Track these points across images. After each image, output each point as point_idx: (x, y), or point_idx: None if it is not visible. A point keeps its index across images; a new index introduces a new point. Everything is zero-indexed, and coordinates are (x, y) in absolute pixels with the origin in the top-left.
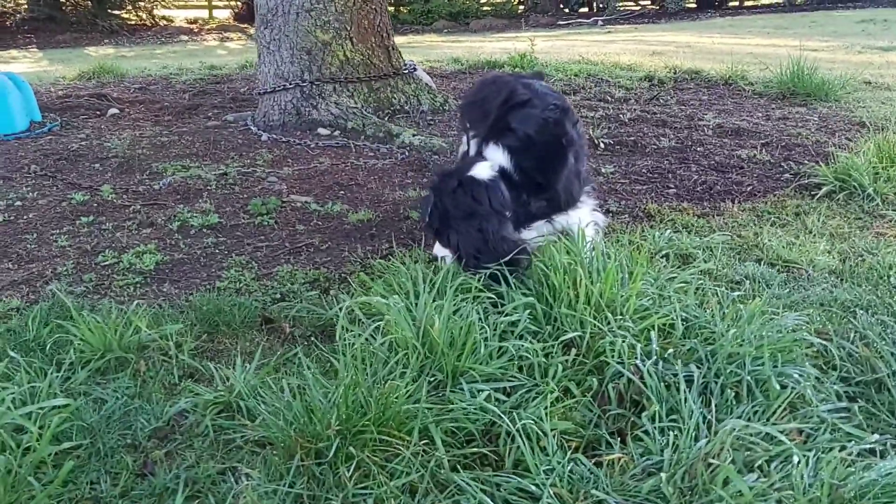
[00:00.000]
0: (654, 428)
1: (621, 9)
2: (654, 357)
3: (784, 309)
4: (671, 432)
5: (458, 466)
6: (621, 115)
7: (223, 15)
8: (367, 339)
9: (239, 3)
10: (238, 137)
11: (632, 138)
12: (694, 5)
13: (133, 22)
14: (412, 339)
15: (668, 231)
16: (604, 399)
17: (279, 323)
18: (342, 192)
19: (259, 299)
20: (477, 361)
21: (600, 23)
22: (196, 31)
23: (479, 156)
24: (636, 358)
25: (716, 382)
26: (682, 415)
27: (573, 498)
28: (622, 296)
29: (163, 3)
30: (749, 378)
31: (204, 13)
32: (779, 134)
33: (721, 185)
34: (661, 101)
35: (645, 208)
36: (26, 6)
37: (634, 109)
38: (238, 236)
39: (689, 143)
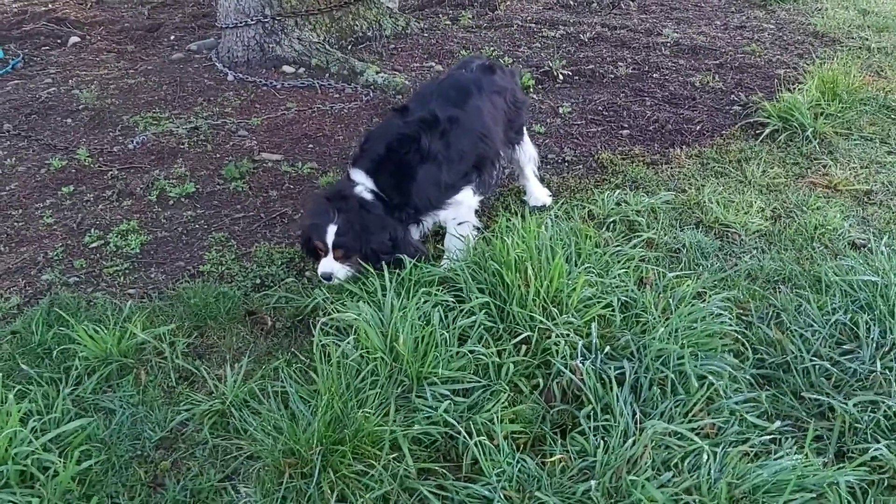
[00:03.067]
0: (590, 427)
1: None
2: (594, 353)
3: (714, 286)
4: (605, 431)
5: (424, 472)
6: (581, 34)
7: None
8: (341, 350)
9: None
10: (204, 76)
11: (590, 66)
12: None
13: None
14: (381, 350)
15: (617, 192)
16: (549, 395)
17: (261, 315)
18: (311, 145)
19: (241, 286)
20: (438, 366)
21: None
22: None
23: (348, 179)
24: (578, 356)
25: (645, 377)
26: (614, 413)
27: (520, 499)
28: (568, 286)
29: None
30: (672, 375)
31: None
32: (734, 51)
33: (672, 122)
34: (624, 6)
35: (598, 157)
36: None
37: (594, 24)
38: (215, 206)
39: (646, 69)
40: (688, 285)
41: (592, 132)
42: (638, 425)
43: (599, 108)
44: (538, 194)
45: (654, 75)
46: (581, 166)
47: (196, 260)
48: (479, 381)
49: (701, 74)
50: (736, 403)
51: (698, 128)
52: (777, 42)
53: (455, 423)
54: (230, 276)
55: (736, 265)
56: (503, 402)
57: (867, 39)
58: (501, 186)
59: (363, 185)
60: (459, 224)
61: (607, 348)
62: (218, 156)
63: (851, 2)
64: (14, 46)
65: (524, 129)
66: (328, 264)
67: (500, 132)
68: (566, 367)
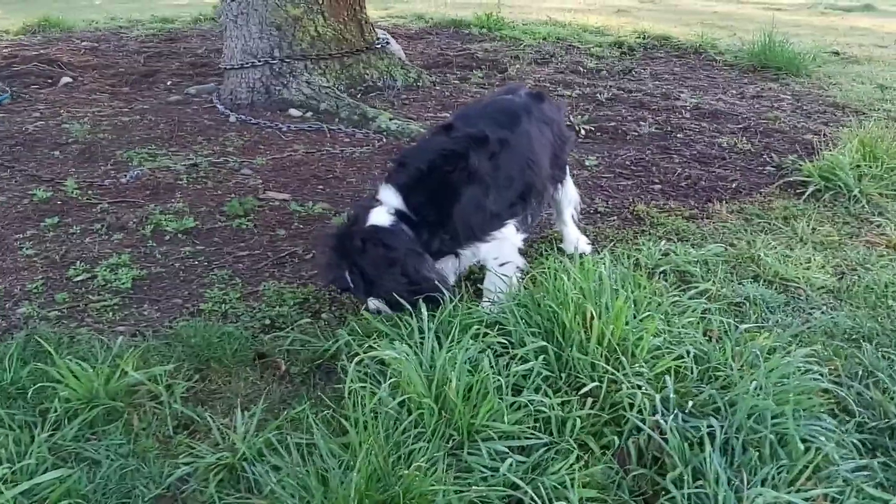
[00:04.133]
0: (682, 495)
1: None
2: (673, 409)
3: (790, 341)
4: (699, 501)
5: None
6: (598, 94)
7: None
8: (375, 395)
9: None
10: (204, 117)
11: (612, 123)
12: None
13: None
14: (426, 397)
15: (663, 242)
16: (623, 456)
17: (273, 358)
18: (321, 186)
19: (248, 326)
20: (492, 418)
21: None
22: None
23: (374, 199)
24: (655, 411)
25: (737, 438)
26: (707, 478)
27: None
28: (634, 334)
29: None
30: (771, 436)
31: None
32: (755, 117)
33: (705, 179)
34: (635, 74)
35: (633, 209)
36: None
37: (610, 87)
38: (216, 243)
39: (669, 129)
40: (765, 339)
41: (623, 185)
42: (740, 494)
43: (627, 162)
44: (577, 241)
45: (678, 135)
46: (615, 217)
47: (195, 298)
48: (541, 438)
49: (726, 137)
50: (847, 471)
51: (734, 185)
52: (798, 111)
53: (522, 485)
54: (235, 316)
55: (808, 321)
56: (571, 463)
57: (891, 111)
58: (533, 234)
59: (387, 205)
60: (502, 265)
61: (689, 404)
62: (219, 193)
63: (867, 77)
64: (3, 84)
65: (567, 168)
66: (371, 301)
67: (547, 164)
68: (644, 424)
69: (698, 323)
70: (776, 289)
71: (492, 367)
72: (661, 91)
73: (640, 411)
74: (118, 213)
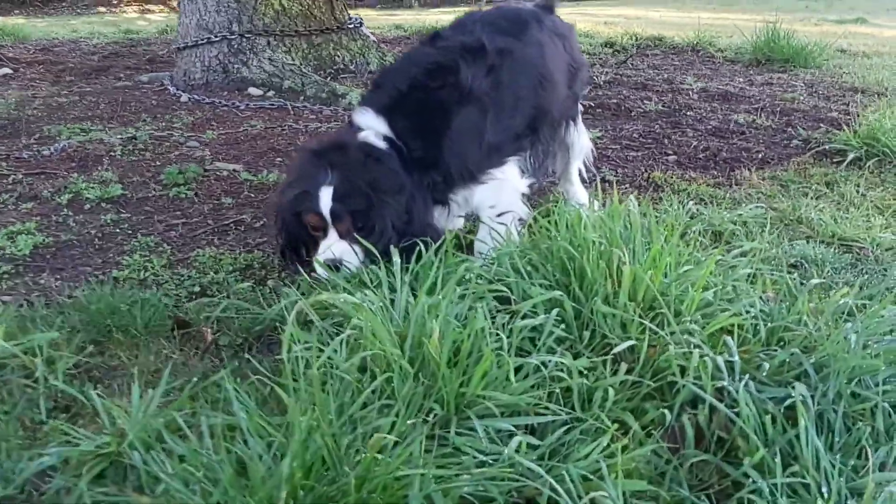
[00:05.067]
0: (768, 485)
1: None
2: (741, 376)
3: (870, 301)
4: (793, 495)
5: None
6: (595, 78)
7: None
8: (328, 358)
9: None
10: (152, 98)
11: (613, 101)
12: None
13: None
14: (396, 355)
15: (690, 203)
16: (675, 437)
17: (198, 326)
18: (279, 158)
19: (171, 293)
20: (490, 386)
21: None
22: (115, 2)
23: (350, 125)
24: (717, 378)
25: (834, 410)
26: (802, 463)
27: None
28: (676, 287)
29: None
30: (885, 403)
31: None
32: (770, 99)
33: (726, 151)
34: (632, 65)
35: (648, 176)
36: None
37: (607, 73)
38: (147, 211)
39: (677, 107)
40: (843, 295)
41: (632, 156)
42: (853, 482)
43: (634, 135)
44: (584, 201)
45: (689, 113)
46: (629, 185)
47: (110, 265)
48: (559, 414)
49: (742, 115)
50: None
51: (759, 156)
52: (814, 94)
53: (541, 472)
54: (157, 285)
55: (884, 281)
56: (605, 447)
57: None
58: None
59: (372, 129)
60: (500, 214)
61: (765, 366)
62: (158, 164)
63: (881, 67)
64: None
65: (579, 104)
66: (332, 246)
67: (564, 87)
68: (705, 393)
69: (751, 282)
70: (837, 250)
71: (488, 319)
72: (662, 77)
73: (696, 378)
74: (33, 183)
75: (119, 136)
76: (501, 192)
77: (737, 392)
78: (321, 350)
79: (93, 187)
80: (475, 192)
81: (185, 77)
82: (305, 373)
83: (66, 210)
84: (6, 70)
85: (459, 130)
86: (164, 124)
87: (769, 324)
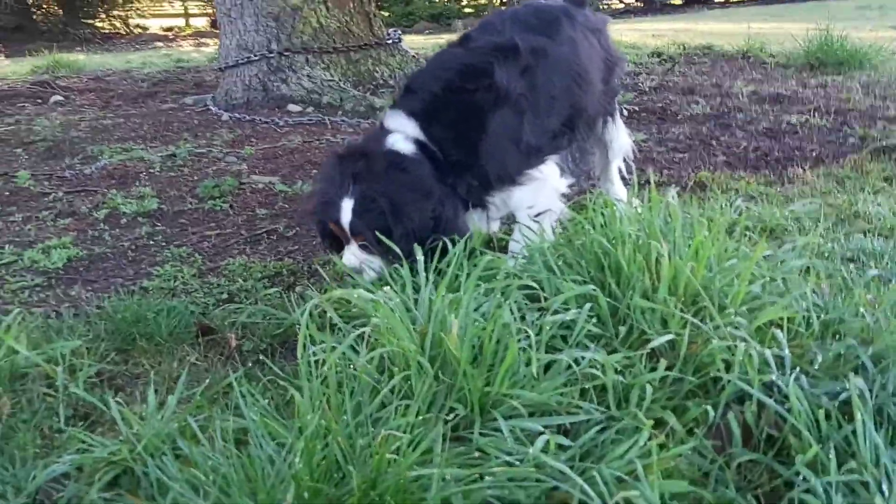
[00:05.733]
0: (823, 484)
1: (605, 6)
2: (792, 370)
3: None
4: (850, 493)
5: None
6: (640, 85)
7: (200, 23)
8: (343, 354)
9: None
10: (195, 119)
11: (658, 105)
12: (679, 1)
13: (107, 30)
14: (415, 352)
15: (739, 200)
16: (720, 435)
17: (222, 333)
18: (315, 170)
19: (199, 301)
20: (517, 384)
21: None
22: (171, 37)
23: (381, 128)
24: (765, 372)
25: (895, 404)
26: (860, 460)
27: None
28: (721, 280)
29: (137, 11)
30: None
31: (180, 21)
32: (824, 100)
33: (778, 150)
34: (679, 72)
35: (696, 178)
36: None
37: (653, 79)
38: (181, 224)
39: (726, 110)
40: None
41: (679, 158)
42: None
43: (680, 137)
44: (624, 196)
45: (738, 115)
46: (674, 186)
47: (141, 276)
48: (594, 412)
49: (794, 116)
50: None
51: (814, 154)
52: (871, 95)
53: (570, 474)
54: (186, 293)
55: None
56: (642, 446)
57: None
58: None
59: (402, 133)
60: (538, 214)
61: (818, 359)
62: (195, 178)
63: None
64: None
65: (617, 103)
66: (352, 255)
67: (599, 83)
68: (753, 388)
69: (804, 275)
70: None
71: (514, 316)
72: (710, 82)
73: (742, 373)
74: (73, 201)
75: (159, 154)
76: (540, 192)
77: (787, 386)
78: (335, 348)
79: (130, 202)
80: (513, 193)
81: (226, 97)
82: (319, 370)
83: (102, 224)
84: (58, 97)
85: (496, 133)
86: (204, 142)
87: (822, 316)
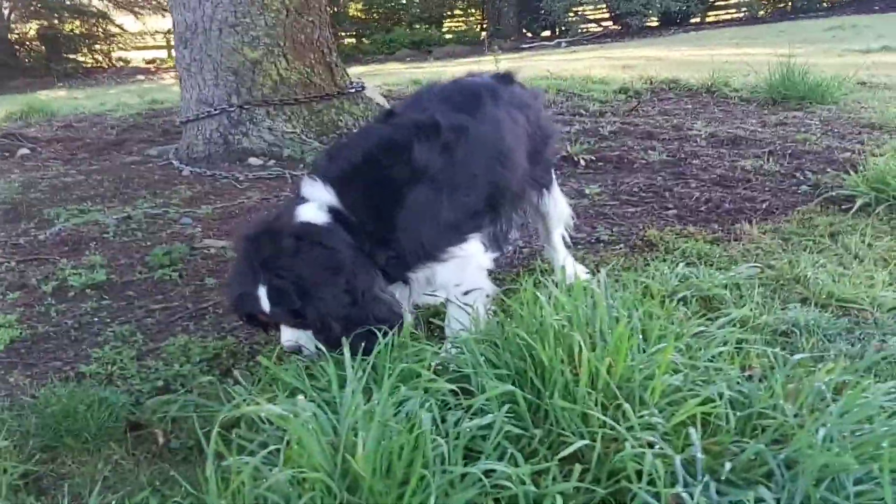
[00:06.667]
0: None
1: (583, 31)
2: (703, 476)
3: (862, 376)
4: None
5: None
6: (600, 129)
7: None
8: (255, 468)
9: None
10: (156, 173)
11: (615, 153)
12: (656, 23)
13: (89, 65)
14: (322, 471)
15: (681, 265)
16: None
17: (151, 429)
18: None
19: (134, 390)
20: (428, 499)
21: (564, 44)
22: (154, 70)
23: (297, 197)
24: (676, 480)
25: None
26: None
27: None
28: (641, 372)
29: (119, 45)
30: None
31: (163, 53)
32: (781, 141)
33: (729, 201)
34: (642, 111)
35: (643, 235)
36: None
37: (614, 122)
38: (128, 297)
39: (682, 156)
40: (828, 372)
41: (630, 212)
42: None
43: (634, 189)
44: (570, 270)
45: (694, 161)
46: (622, 245)
47: (81, 359)
48: None
49: (750, 160)
50: None
51: (764, 206)
52: (829, 133)
53: None
54: (122, 379)
55: (882, 350)
56: None
57: None
58: (514, 266)
59: (317, 201)
60: (466, 293)
61: (727, 467)
62: (148, 244)
63: None
64: None
65: (553, 172)
66: (289, 334)
67: (524, 160)
68: (659, 502)
69: (733, 357)
70: (833, 313)
71: (435, 424)
72: (671, 123)
73: (651, 482)
74: (24, 271)
75: (115, 217)
76: (465, 270)
77: (692, 498)
78: (246, 462)
79: (78, 273)
80: (437, 271)
81: (188, 150)
82: (238, 488)
83: (49, 299)
84: (24, 150)
85: (412, 208)
86: (161, 201)
87: (743, 409)
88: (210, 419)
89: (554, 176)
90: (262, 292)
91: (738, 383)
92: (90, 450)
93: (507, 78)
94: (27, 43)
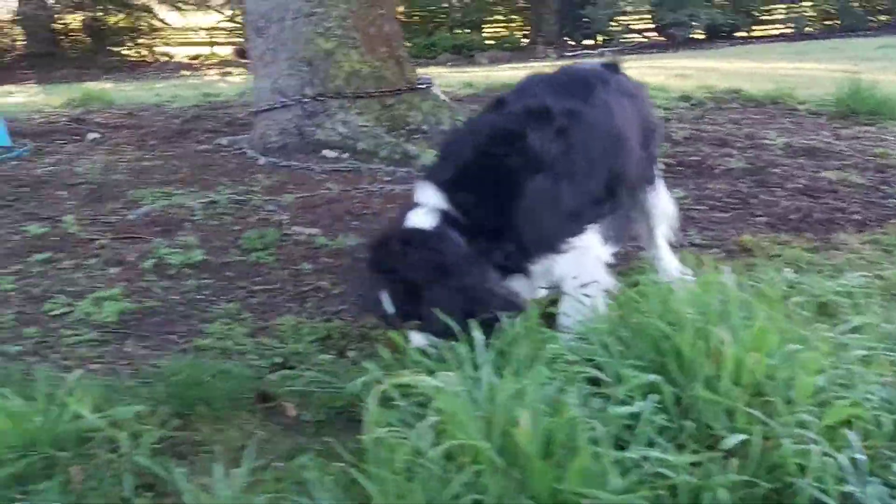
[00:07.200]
0: None
1: (626, 41)
2: (868, 476)
3: None
4: None
5: None
6: (672, 135)
7: (225, 52)
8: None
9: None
10: (231, 162)
11: (693, 158)
12: (702, 36)
13: (133, 59)
14: (486, 447)
15: (787, 270)
16: None
17: (280, 401)
18: (355, 222)
19: (254, 364)
20: (589, 482)
21: (607, 54)
22: (197, 66)
23: (412, 202)
24: (842, 478)
25: None
26: None
27: None
28: (783, 370)
29: (163, 40)
30: None
31: (205, 50)
32: (860, 154)
33: (820, 211)
34: (710, 119)
35: (738, 240)
36: (24, 41)
37: (685, 128)
38: (228, 277)
39: (762, 164)
40: None
41: (719, 217)
42: None
43: (719, 195)
44: (675, 271)
45: (775, 170)
46: (718, 249)
47: (193, 333)
48: None
49: (832, 172)
50: None
51: (856, 217)
52: None
53: None
54: (239, 354)
55: None
56: None
57: None
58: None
59: (426, 205)
60: (584, 285)
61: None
62: (237, 228)
63: None
64: (26, 140)
65: (656, 168)
66: (417, 336)
67: (638, 148)
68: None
69: (867, 362)
70: None
71: (582, 405)
72: (743, 132)
73: (818, 479)
74: (118, 248)
75: (200, 201)
76: (583, 262)
77: (865, 494)
78: (405, 437)
79: (176, 252)
80: (556, 263)
81: (261, 140)
82: (390, 458)
83: (151, 275)
84: (94, 135)
85: (530, 198)
86: (243, 188)
87: (892, 414)
88: (335, 395)
89: (658, 172)
90: (385, 297)
91: (881, 388)
92: (222, 419)
93: (613, 67)
94: (72, 34)
